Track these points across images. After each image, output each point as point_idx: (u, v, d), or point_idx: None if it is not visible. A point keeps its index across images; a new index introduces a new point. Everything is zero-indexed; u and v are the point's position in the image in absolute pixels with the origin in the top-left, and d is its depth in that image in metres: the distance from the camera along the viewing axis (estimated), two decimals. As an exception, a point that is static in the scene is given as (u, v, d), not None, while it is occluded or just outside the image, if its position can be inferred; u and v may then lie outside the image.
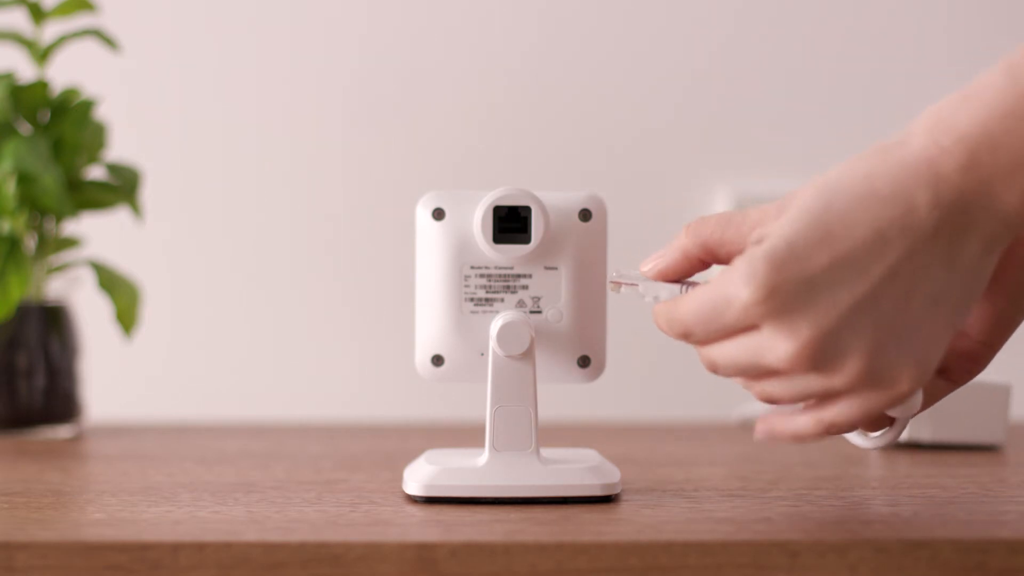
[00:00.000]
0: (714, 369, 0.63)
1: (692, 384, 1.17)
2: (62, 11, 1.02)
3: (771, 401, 0.62)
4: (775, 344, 0.59)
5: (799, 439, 0.62)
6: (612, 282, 0.68)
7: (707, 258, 0.67)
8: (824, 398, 0.61)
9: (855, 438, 0.68)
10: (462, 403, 1.16)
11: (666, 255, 0.67)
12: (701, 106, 1.21)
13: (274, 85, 1.22)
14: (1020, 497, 0.74)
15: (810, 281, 0.59)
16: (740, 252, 0.64)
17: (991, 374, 0.94)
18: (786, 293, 0.59)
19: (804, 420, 0.62)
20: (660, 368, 1.19)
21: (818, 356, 0.59)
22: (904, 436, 0.91)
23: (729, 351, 0.61)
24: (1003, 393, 0.92)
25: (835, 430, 0.61)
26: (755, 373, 0.61)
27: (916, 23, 1.23)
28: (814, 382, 0.60)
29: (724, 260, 0.66)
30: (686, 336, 0.62)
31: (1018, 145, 0.57)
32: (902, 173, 0.59)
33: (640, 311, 1.20)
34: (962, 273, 0.59)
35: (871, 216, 0.59)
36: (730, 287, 0.60)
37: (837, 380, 0.59)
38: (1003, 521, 0.67)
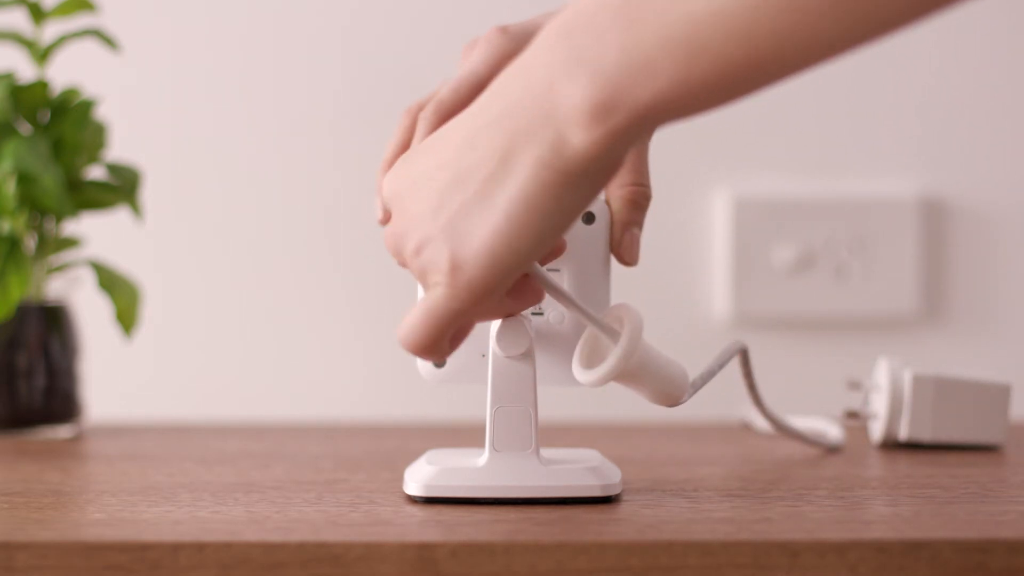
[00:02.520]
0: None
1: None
2: (62, 11, 1.02)
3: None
4: None
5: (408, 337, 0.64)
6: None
7: None
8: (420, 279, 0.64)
9: (578, 372, 0.69)
10: (462, 403, 1.16)
11: None
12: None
13: (275, 85, 1.22)
14: (1020, 497, 0.74)
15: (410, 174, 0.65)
16: None
17: (991, 374, 0.94)
18: (398, 186, 0.65)
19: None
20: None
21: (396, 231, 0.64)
22: (904, 436, 0.91)
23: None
24: (1003, 393, 0.92)
25: (428, 320, 0.63)
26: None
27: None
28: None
29: None
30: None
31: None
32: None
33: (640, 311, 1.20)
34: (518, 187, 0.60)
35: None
36: None
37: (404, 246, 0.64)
38: (1003, 521, 0.67)
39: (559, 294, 0.68)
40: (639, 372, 0.68)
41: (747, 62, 0.55)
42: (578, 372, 0.69)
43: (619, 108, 0.57)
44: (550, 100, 0.59)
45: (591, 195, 0.61)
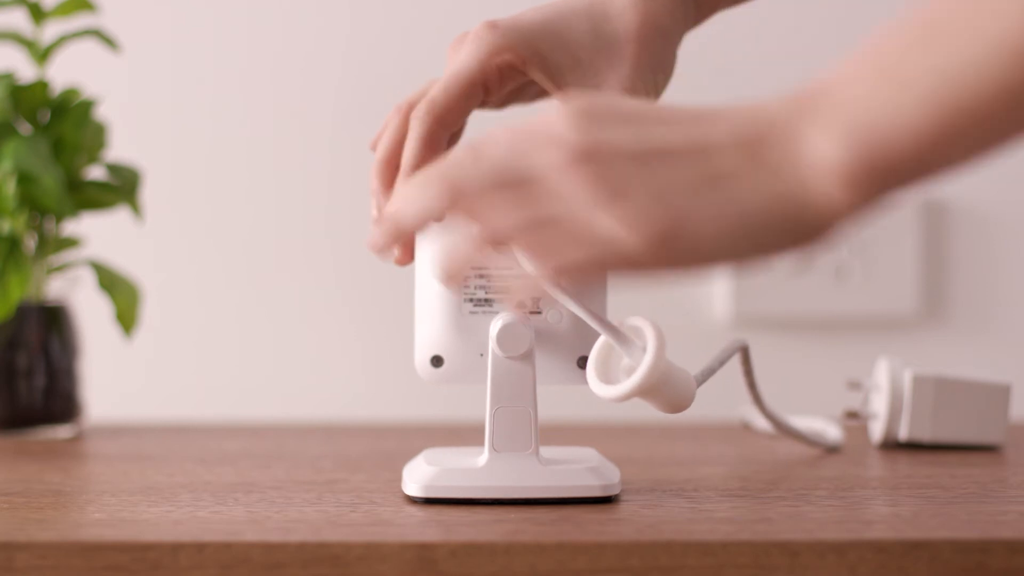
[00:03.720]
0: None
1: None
2: (62, 11, 1.02)
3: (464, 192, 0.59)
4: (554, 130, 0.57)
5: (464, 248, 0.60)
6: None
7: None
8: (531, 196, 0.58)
9: (598, 387, 0.68)
10: (462, 403, 1.16)
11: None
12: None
13: (274, 85, 1.22)
14: (1020, 497, 0.74)
15: (618, 113, 0.58)
16: None
17: (991, 374, 0.94)
18: (596, 116, 0.57)
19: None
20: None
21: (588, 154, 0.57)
22: (904, 436, 0.91)
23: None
24: (1003, 393, 0.92)
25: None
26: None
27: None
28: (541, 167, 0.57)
29: None
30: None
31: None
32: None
33: (640, 311, 1.20)
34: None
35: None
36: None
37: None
38: (1003, 521, 0.67)
39: (578, 305, 0.68)
40: (659, 386, 0.68)
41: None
42: (598, 387, 0.68)
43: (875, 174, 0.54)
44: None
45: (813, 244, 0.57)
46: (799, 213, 0.55)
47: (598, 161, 0.56)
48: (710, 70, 1.21)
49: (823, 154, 0.54)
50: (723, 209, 0.56)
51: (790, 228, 0.55)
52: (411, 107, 0.74)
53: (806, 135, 0.55)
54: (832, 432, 0.92)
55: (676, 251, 0.56)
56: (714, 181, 0.56)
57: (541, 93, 0.76)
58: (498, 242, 0.59)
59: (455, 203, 0.59)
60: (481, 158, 0.59)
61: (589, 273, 0.58)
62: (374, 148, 0.76)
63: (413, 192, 0.61)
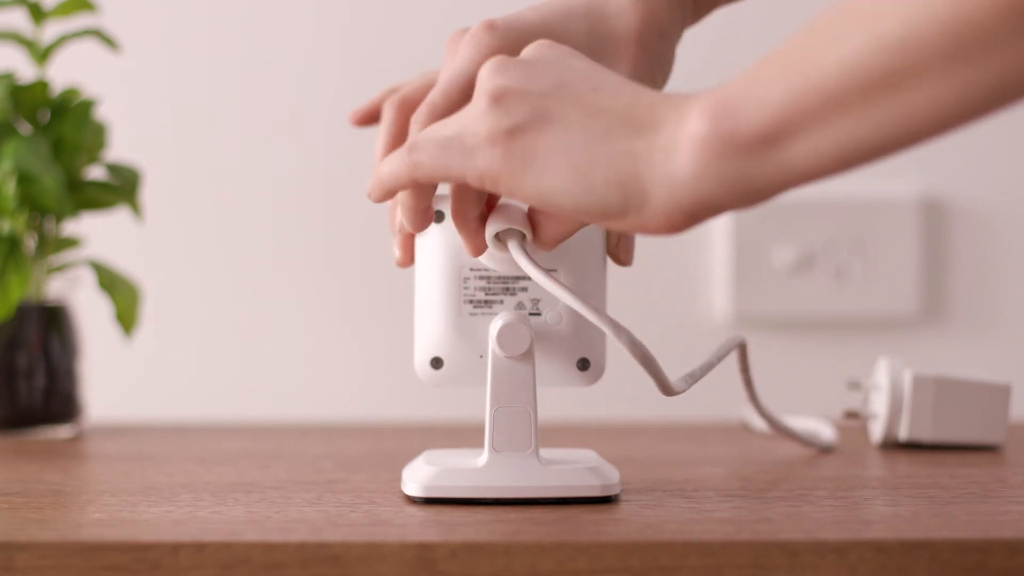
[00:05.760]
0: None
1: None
2: (62, 11, 1.02)
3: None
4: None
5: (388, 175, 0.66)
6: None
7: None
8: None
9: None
10: (462, 404, 1.16)
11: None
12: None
13: (275, 85, 1.22)
14: (1020, 497, 0.74)
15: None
16: None
17: (991, 374, 0.94)
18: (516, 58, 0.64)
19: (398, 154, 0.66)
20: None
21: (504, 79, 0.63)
22: (904, 436, 0.91)
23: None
24: (1003, 393, 0.92)
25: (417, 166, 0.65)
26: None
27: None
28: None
29: None
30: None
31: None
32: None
33: (640, 310, 1.20)
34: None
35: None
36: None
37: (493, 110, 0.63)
38: (1003, 521, 0.67)
39: (576, 299, 0.68)
40: None
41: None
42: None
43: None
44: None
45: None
46: (635, 175, 0.59)
47: (503, 77, 0.63)
48: (708, 67, 1.21)
49: (687, 126, 0.58)
50: (569, 141, 0.61)
51: (620, 187, 0.60)
52: (405, 103, 0.75)
53: (684, 109, 0.58)
54: (827, 432, 0.92)
55: (505, 154, 0.62)
56: (579, 117, 0.61)
57: None
58: (414, 151, 0.65)
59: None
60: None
61: (437, 156, 0.64)
62: (354, 121, 0.80)
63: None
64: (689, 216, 0.59)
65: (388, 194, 0.68)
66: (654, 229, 0.60)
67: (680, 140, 0.58)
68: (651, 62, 0.73)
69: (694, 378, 0.72)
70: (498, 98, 0.62)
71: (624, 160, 0.60)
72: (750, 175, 0.57)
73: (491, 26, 0.71)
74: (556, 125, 0.61)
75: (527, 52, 0.66)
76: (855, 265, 1.22)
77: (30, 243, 1.01)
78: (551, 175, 0.61)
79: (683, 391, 0.70)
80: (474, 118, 0.63)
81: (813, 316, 1.22)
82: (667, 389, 0.69)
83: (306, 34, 1.23)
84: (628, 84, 0.62)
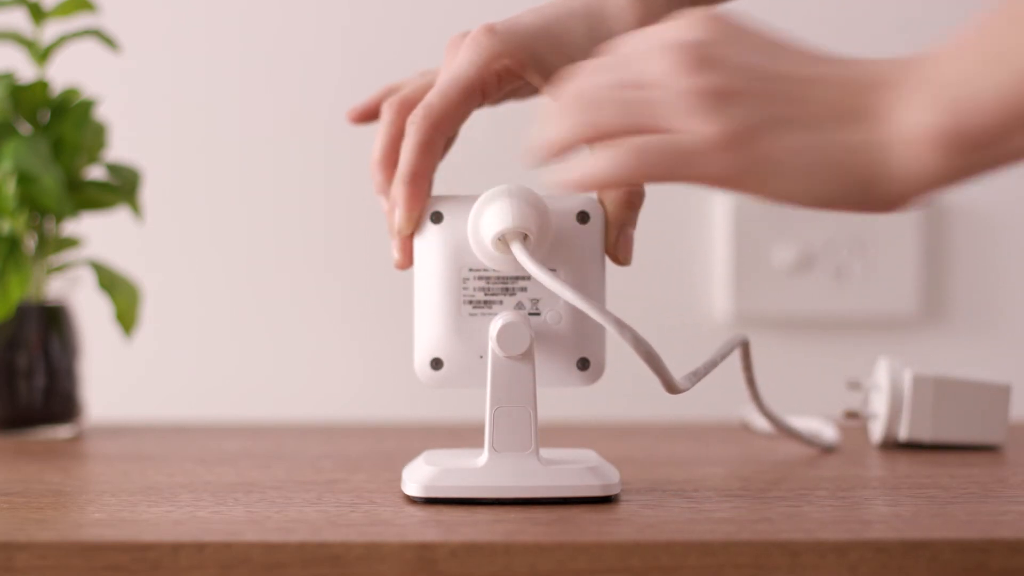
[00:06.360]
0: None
1: (692, 384, 1.17)
2: (62, 11, 1.02)
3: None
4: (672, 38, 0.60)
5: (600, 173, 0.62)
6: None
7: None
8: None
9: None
10: (462, 404, 1.16)
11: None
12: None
13: (275, 85, 1.22)
14: (1020, 497, 0.74)
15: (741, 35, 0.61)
16: None
17: (991, 374, 0.94)
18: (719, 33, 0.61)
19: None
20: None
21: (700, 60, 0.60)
22: (904, 436, 0.91)
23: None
24: (1003, 393, 0.92)
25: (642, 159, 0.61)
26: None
27: (916, 23, 1.23)
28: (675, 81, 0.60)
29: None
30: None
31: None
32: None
33: (639, 310, 1.20)
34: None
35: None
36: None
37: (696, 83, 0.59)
38: (1003, 521, 0.67)
39: (577, 296, 0.68)
40: None
41: None
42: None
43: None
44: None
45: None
46: (875, 171, 0.58)
47: (710, 68, 0.59)
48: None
49: (918, 119, 0.57)
50: (803, 142, 0.58)
51: (861, 184, 0.58)
52: (403, 105, 0.75)
53: (907, 99, 0.57)
54: (828, 432, 0.92)
55: (743, 160, 0.59)
56: (805, 114, 0.59)
57: (537, 91, 0.76)
58: (598, 123, 0.61)
59: (583, 110, 0.62)
60: (600, 67, 0.63)
61: (658, 163, 0.60)
62: (352, 118, 0.80)
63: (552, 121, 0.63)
64: (918, 201, 0.60)
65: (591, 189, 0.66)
66: (882, 212, 0.61)
67: (910, 134, 0.57)
68: None
69: (698, 376, 0.72)
70: (713, 98, 0.59)
71: (856, 154, 0.58)
72: (979, 163, 0.57)
73: (491, 30, 0.71)
74: (781, 126, 0.59)
75: (702, 33, 0.61)
76: (855, 265, 1.22)
77: (30, 243, 1.01)
78: (788, 180, 0.59)
79: (687, 389, 0.70)
80: (686, 117, 0.60)
81: (813, 316, 1.22)
82: (671, 387, 0.69)
83: (306, 34, 1.23)
84: (821, 62, 0.60)
